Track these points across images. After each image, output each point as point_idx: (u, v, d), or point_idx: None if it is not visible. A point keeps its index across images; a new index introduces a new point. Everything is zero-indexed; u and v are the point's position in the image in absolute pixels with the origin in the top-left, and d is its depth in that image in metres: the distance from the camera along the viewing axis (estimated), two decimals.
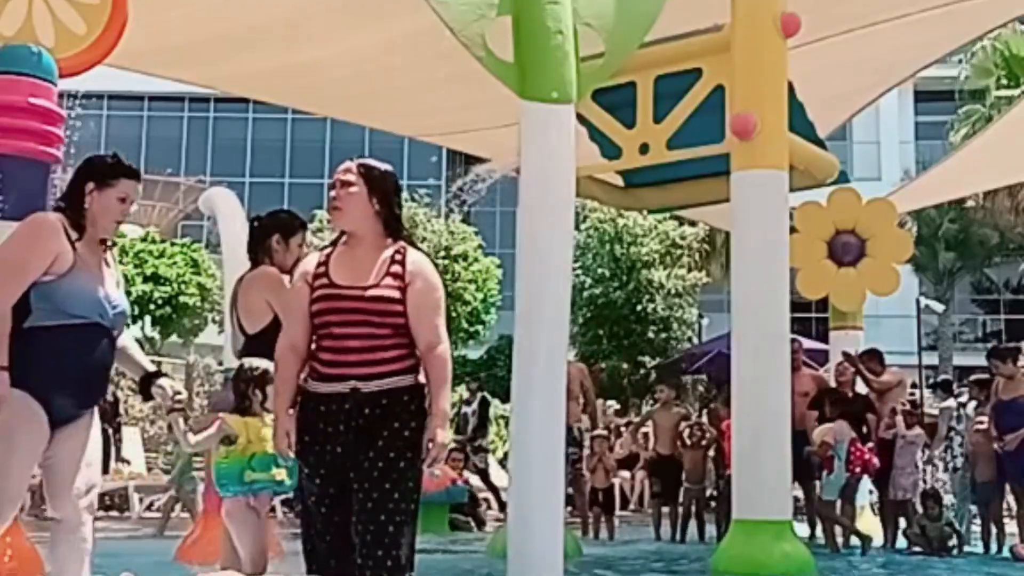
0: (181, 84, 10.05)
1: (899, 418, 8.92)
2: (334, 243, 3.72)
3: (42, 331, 3.65)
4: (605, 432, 12.69)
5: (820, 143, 7.97)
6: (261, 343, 4.52)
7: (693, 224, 21.28)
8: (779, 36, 6.66)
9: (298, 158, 36.00)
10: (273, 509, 6.12)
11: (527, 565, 4.70)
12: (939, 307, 25.95)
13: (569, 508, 8.70)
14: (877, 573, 7.72)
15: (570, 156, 4.99)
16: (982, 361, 9.61)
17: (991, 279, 31.31)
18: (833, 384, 9.38)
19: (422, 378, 3.56)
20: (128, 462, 14.12)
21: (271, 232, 4.98)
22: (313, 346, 3.60)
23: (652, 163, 7.57)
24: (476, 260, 24.61)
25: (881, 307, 14.99)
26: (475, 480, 12.17)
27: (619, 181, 8.85)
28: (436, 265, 3.78)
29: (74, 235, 3.77)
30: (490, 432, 13.83)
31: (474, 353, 25.21)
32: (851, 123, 15.05)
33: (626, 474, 13.66)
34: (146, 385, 4.08)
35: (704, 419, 11.29)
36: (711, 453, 9.97)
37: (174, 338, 23.64)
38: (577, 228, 19.29)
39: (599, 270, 22.60)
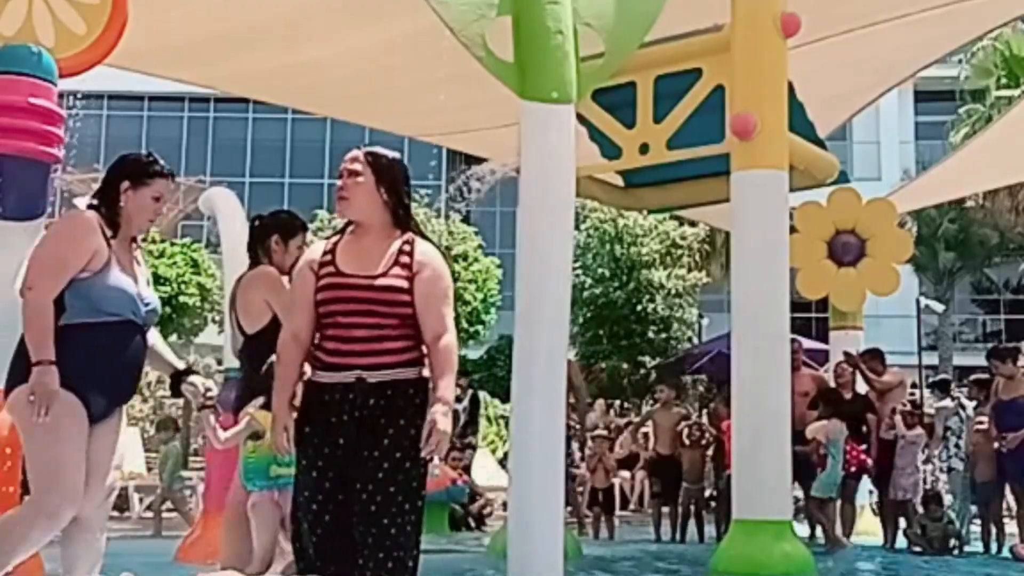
0: (181, 84, 10.05)
1: (898, 418, 8.92)
2: (340, 232, 3.65)
3: (77, 328, 3.65)
4: (605, 432, 12.71)
5: (820, 143, 7.97)
6: (260, 343, 4.52)
7: (693, 224, 21.28)
8: (779, 36, 6.65)
9: (298, 158, 35.98)
10: None
11: (527, 565, 4.70)
12: (939, 307, 25.94)
13: (569, 508, 8.70)
14: (877, 573, 7.72)
15: (570, 156, 5.00)
16: (982, 361, 9.61)
17: (991, 279, 31.30)
18: (833, 385, 9.38)
19: (427, 373, 3.49)
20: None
21: (271, 232, 4.98)
22: (317, 336, 3.54)
23: (652, 163, 7.57)
24: (476, 260, 24.61)
25: (881, 307, 14.99)
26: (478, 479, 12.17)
27: (619, 181, 8.85)
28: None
29: (108, 233, 3.79)
30: (480, 429, 13.83)
31: (474, 353, 25.20)
32: (851, 123, 15.05)
33: (626, 474, 13.66)
34: (176, 382, 4.07)
35: (704, 419, 11.29)
36: (710, 453, 9.98)
37: (174, 338, 23.64)
38: (577, 228, 19.29)
39: (599, 270, 22.61)
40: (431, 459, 3.46)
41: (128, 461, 14.28)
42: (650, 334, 22.35)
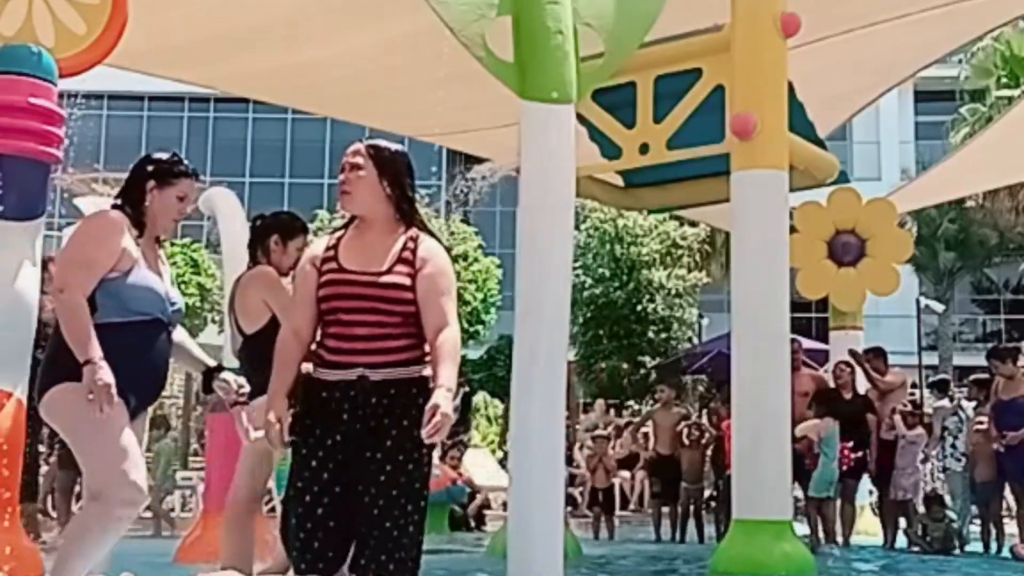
0: (181, 84, 10.04)
1: (898, 418, 8.93)
2: (344, 227, 3.59)
3: (108, 328, 3.65)
4: (605, 432, 12.72)
5: (820, 143, 7.98)
6: (259, 343, 4.52)
7: (693, 224, 21.27)
8: (779, 36, 6.66)
9: (298, 158, 35.97)
10: (273, 509, 6.10)
11: (527, 565, 4.70)
12: (939, 307, 25.93)
13: (569, 508, 8.70)
14: (877, 573, 7.72)
15: (570, 156, 5.00)
16: (982, 361, 9.62)
17: (991, 279, 31.28)
18: (832, 385, 9.38)
19: (429, 372, 3.39)
20: None
21: (270, 232, 4.98)
22: (319, 333, 3.49)
23: (652, 163, 7.57)
24: (476, 260, 24.62)
25: (881, 307, 14.99)
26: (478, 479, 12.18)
27: (619, 181, 8.85)
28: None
29: (134, 233, 3.81)
30: (480, 429, 13.85)
31: (474, 353, 25.19)
32: (851, 123, 15.05)
33: (626, 474, 13.67)
34: (208, 379, 4.07)
35: (704, 419, 11.30)
36: (709, 453, 9.98)
37: None
38: (577, 228, 19.27)
39: (599, 270, 22.60)
40: (432, 447, 3.38)
41: None
42: (650, 334, 22.34)
